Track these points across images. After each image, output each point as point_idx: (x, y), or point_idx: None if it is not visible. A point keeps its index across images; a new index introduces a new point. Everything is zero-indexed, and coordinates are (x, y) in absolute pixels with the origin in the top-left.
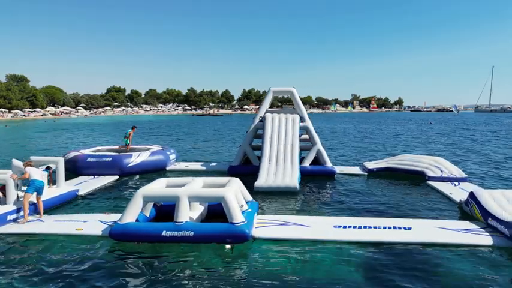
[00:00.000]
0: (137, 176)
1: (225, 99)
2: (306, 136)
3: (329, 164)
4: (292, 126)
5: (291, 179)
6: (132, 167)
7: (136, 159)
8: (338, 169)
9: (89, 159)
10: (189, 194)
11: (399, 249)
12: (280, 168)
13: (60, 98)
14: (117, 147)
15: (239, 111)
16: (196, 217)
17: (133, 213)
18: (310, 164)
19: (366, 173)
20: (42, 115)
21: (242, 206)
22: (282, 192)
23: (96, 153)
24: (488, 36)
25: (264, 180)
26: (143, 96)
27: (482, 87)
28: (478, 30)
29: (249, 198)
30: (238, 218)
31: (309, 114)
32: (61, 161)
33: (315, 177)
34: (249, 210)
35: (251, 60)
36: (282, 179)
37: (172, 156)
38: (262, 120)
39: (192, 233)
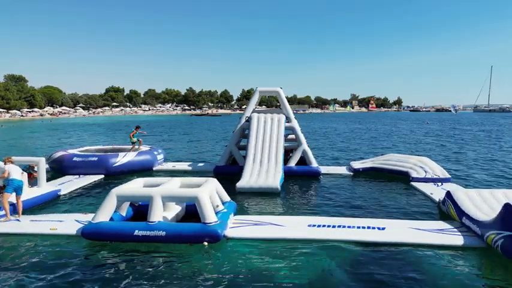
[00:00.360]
0: (124, 176)
1: (224, 99)
2: (293, 136)
3: (314, 164)
4: (278, 126)
5: (273, 179)
6: (118, 166)
7: (122, 159)
8: (324, 169)
9: (74, 159)
10: (162, 193)
11: (371, 249)
12: (263, 169)
13: (58, 98)
14: (106, 147)
15: (238, 111)
16: (171, 217)
17: (106, 212)
18: (296, 164)
19: (351, 173)
20: (40, 115)
21: (217, 206)
22: (264, 192)
23: (83, 153)
24: (488, 36)
25: (246, 180)
26: (142, 96)
27: (481, 87)
28: (478, 31)
29: (227, 198)
30: (210, 218)
31: (308, 114)
32: (42, 161)
33: (301, 177)
34: (225, 210)
35: (251, 60)
36: (265, 179)
37: (160, 157)
38: (249, 120)
39: (164, 233)
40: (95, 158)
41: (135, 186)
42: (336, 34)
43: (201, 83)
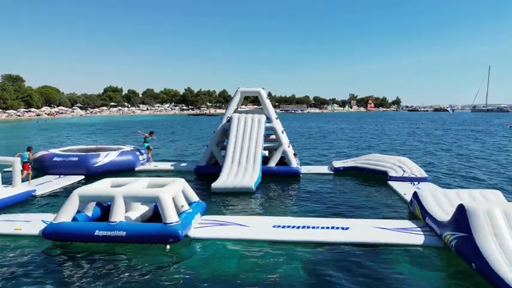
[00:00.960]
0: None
1: (223, 99)
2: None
3: (294, 164)
4: (258, 126)
5: (249, 179)
6: (99, 167)
7: (103, 159)
8: (305, 169)
9: (55, 159)
10: (124, 194)
11: (334, 248)
12: (241, 169)
13: (56, 98)
14: (89, 146)
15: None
16: (135, 217)
17: (68, 212)
18: (277, 165)
19: (332, 172)
20: (37, 115)
21: (182, 206)
22: (239, 192)
23: (64, 152)
24: (488, 36)
25: (222, 181)
26: (140, 96)
27: (478, 87)
28: (478, 30)
29: (195, 199)
30: (171, 218)
31: (306, 114)
32: (16, 161)
33: (281, 177)
34: (190, 211)
35: (250, 60)
36: (241, 179)
37: (143, 157)
38: (229, 120)
39: (124, 233)
40: (76, 158)
41: (98, 186)
42: (336, 34)
43: (200, 83)
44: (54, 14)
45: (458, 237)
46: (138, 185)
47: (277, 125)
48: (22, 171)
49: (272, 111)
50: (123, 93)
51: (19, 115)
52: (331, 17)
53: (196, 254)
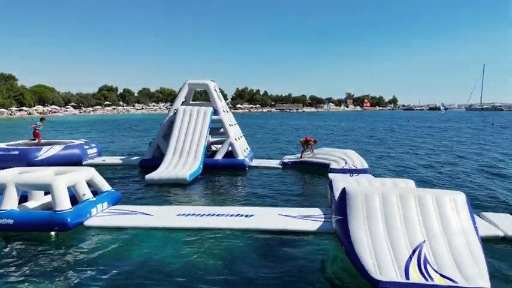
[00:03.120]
0: None
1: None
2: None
3: (241, 156)
4: (203, 119)
5: (184, 171)
6: (41, 160)
7: (45, 153)
8: (256, 162)
9: None
10: (16, 181)
11: (239, 235)
12: (182, 161)
13: (49, 97)
14: (42, 141)
15: (232, 111)
16: (34, 206)
17: None
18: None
19: (281, 167)
20: (28, 114)
21: (84, 195)
22: (175, 184)
23: (8, 146)
24: (485, 35)
25: (157, 172)
26: (136, 95)
27: (473, 86)
28: (477, 30)
29: (107, 188)
30: (62, 205)
31: (301, 114)
32: None
33: (230, 170)
34: (93, 199)
35: (247, 59)
36: (178, 171)
37: (92, 151)
38: (176, 112)
39: (11, 221)
40: (16, 152)
41: None
42: (334, 33)
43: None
44: (54, 14)
45: (337, 220)
46: (40, 174)
47: (225, 118)
48: (35, 138)
49: (220, 105)
50: (119, 92)
51: (10, 114)
52: (329, 16)
53: (90, 242)
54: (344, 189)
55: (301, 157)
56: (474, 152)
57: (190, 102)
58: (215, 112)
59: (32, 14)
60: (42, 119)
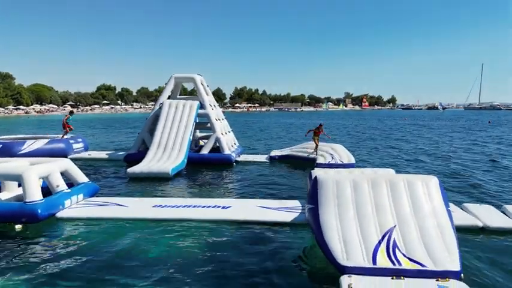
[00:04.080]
0: None
1: (217, 97)
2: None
3: (227, 151)
4: (189, 113)
5: (167, 165)
6: (24, 154)
7: (29, 146)
8: (243, 157)
9: None
10: None
11: (215, 227)
12: (166, 154)
13: (47, 95)
14: (26, 136)
15: (230, 110)
16: (6, 198)
17: None
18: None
19: (268, 161)
20: (25, 113)
21: (58, 186)
22: (157, 177)
23: None
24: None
25: (140, 166)
26: (134, 94)
27: (471, 85)
28: (477, 30)
29: (83, 180)
30: (31, 196)
31: (300, 113)
32: None
33: (216, 165)
34: (67, 191)
35: (246, 59)
36: (161, 164)
37: (78, 146)
38: (161, 106)
39: None
40: None
41: None
42: (333, 33)
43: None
44: (55, 14)
45: (309, 209)
46: (11, 164)
47: (212, 112)
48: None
49: (207, 99)
50: (117, 92)
51: (7, 113)
52: (329, 16)
53: (61, 234)
54: (316, 177)
55: (315, 153)
56: (463, 147)
57: (178, 96)
58: (201, 106)
59: (32, 14)
60: (71, 112)
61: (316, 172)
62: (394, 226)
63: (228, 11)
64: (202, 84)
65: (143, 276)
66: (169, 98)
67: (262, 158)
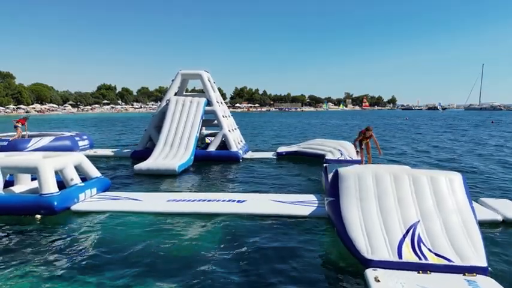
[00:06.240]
0: None
1: None
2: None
3: (234, 148)
4: (196, 109)
5: (173, 161)
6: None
7: (35, 144)
8: (249, 154)
9: None
10: (2, 164)
11: (231, 220)
12: (173, 151)
13: (47, 95)
14: (33, 133)
15: (231, 109)
16: (21, 190)
17: None
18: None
19: (275, 158)
20: (26, 112)
21: (72, 179)
22: (164, 174)
23: None
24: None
25: (147, 162)
26: (135, 94)
27: (472, 86)
28: (477, 30)
29: (96, 174)
30: (48, 189)
31: (300, 113)
32: None
33: (223, 162)
34: (81, 184)
35: (247, 59)
36: (167, 161)
37: (83, 143)
38: (168, 103)
39: None
40: (5, 143)
41: None
42: (333, 33)
43: (196, 82)
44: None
45: (329, 202)
46: (27, 157)
47: (219, 109)
48: None
49: (214, 95)
50: (117, 91)
51: (7, 112)
52: (329, 16)
53: (76, 226)
54: (336, 170)
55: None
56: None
57: (184, 93)
58: (208, 103)
59: (32, 14)
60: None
61: (330, 165)
62: (418, 221)
63: (228, 10)
64: (209, 81)
65: (161, 269)
66: (175, 94)
67: (269, 154)
